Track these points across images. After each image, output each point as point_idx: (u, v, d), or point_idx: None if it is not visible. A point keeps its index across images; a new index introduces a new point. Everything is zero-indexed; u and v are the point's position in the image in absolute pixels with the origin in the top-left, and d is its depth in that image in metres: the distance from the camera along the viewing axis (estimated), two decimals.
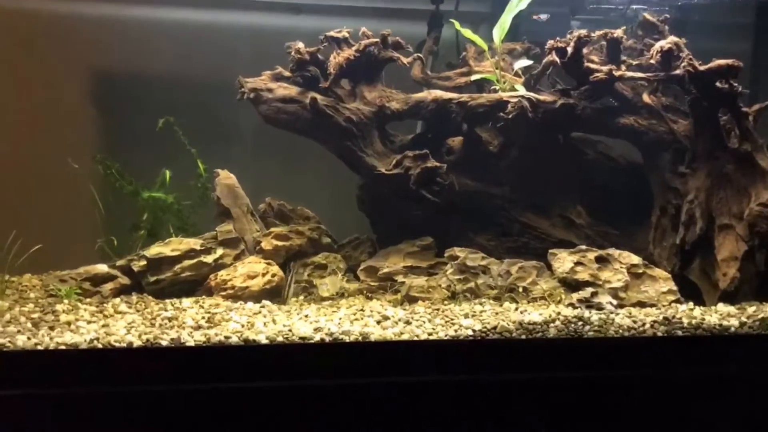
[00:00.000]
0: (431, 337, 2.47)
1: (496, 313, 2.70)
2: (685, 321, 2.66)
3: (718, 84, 2.93)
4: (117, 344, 2.29)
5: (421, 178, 3.03)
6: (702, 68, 2.92)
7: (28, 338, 2.28)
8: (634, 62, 3.17)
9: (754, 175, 2.96)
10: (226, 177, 3.17)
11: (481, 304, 2.83)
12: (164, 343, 2.31)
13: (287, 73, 3.12)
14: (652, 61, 3.05)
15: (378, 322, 2.57)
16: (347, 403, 2.36)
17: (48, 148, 3.41)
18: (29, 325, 2.42)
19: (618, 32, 3.06)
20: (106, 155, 3.20)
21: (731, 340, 2.63)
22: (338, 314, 2.66)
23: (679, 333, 2.60)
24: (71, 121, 3.47)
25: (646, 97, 3.14)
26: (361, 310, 2.73)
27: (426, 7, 3.47)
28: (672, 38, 3.02)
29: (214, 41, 3.54)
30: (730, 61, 2.89)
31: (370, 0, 3.62)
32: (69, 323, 2.45)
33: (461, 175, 3.15)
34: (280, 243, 3.04)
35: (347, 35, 3.10)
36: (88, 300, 2.75)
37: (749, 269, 2.91)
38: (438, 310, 2.75)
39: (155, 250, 2.90)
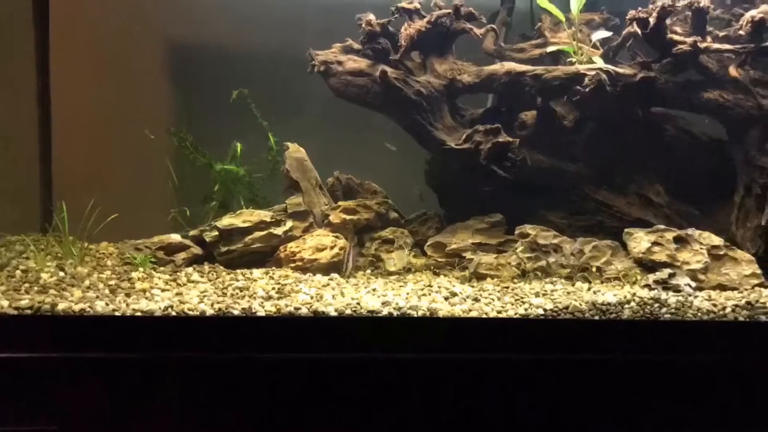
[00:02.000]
0: (500, 315, 2.43)
1: (568, 293, 2.63)
2: None
3: None
4: (190, 312, 2.33)
5: (491, 153, 2.97)
6: None
7: (106, 304, 2.35)
8: (721, 33, 3.01)
9: None
10: (295, 150, 3.18)
11: (552, 283, 2.77)
12: (236, 312, 2.34)
13: (357, 46, 3.09)
14: (741, 32, 2.89)
15: (446, 299, 2.55)
16: (414, 378, 2.35)
17: (125, 120, 3.49)
18: (107, 291, 2.49)
19: (704, 1, 2.90)
20: (180, 127, 3.25)
21: None
22: (405, 289, 2.65)
23: (763, 318, 2.49)
24: (147, 94, 3.55)
25: (733, 70, 2.98)
26: (429, 285, 2.71)
27: None
28: (764, 7, 2.86)
29: (285, 13, 3.54)
30: None
31: None
32: (144, 291, 2.52)
33: (534, 151, 3.08)
34: (348, 216, 3.04)
35: (419, 6, 3.05)
36: (161, 268, 2.82)
37: None
38: (507, 288, 2.70)
39: (227, 221, 2.94)
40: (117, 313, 2.31)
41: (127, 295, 2.47)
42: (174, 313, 2.33)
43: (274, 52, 3.53)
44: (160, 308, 2.34)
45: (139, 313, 2.32)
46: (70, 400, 2.22)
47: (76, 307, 2.30)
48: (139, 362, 2.27)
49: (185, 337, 2.32)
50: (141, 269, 2.75)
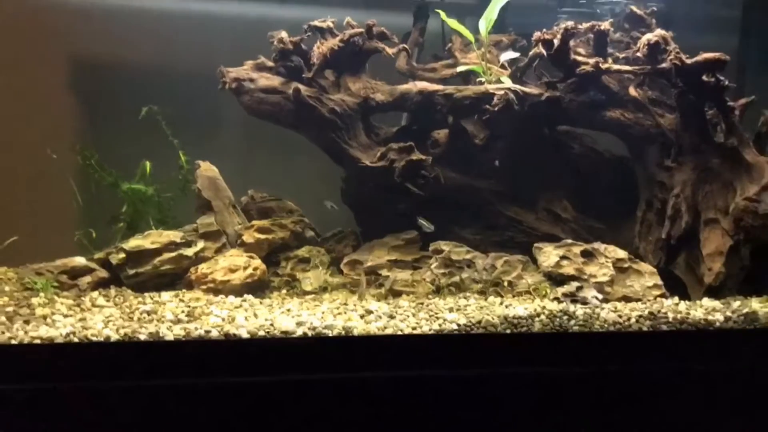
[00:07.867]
0: (415, 332, 2.44)
1: (481, 308, 2.67)
2: (671, 316, 2.65)
3: (704, 78, 2.92)
4: (94, 338, 2.24)
5: (405, 170, 3.00)
6: (689, 62, 2.91)
7: (2, 332, 2.22)
8: (621, 55, 3.15)
9: (739, 169, 2.96)
10: (207, 169, 3.11)
11: (465, 298, 2.81)
12: (142, 337, 2.26)
13: (270, 63, 3.07)
14: (638, 54, 3.03)
15: (361, 317, 2.54)
16: (329, 398, 2.33)
17: (26, 138, 3.33)
18: (3, 318, 2.36)
19: (605, 25, 3.04)
20: (84, 145, 3.13)
21: (716, 335, 2.62)
22: (321, 308, 2.62)
23: (665, 328, 2.59)
24: (50, 110, 3.41)
25: (632, 91, 3.13)
26: (345, 304, 2.70)
27: None
28: (659, 31, 3.01)
29: (197, 30, 3.48)
30: (716, 55, 2.88)
31: None
32: (45, 317, 2.40)
33: (446, 168, 3.12)
34: (262, 236, 3.00)
35: (331, 25, 3.05)
36: (65, 293, 2.69)
37: (734, 264, 2.91)
38: (422, 304, 2.72)
39: (134, 242, 2.85)
40: (14, 341, 2.19)
41: (26, 322, 2.34)
42: (76, 340, 2.23)
43: (186, 69, 3.46)
44: (61, 335, 2.23)
45: (38, 341, 2.20)
46: None
47: None
48: (39, 392, 2.15)
49: (89, 364, 2.22)
50: (42, 294, 2.62)
